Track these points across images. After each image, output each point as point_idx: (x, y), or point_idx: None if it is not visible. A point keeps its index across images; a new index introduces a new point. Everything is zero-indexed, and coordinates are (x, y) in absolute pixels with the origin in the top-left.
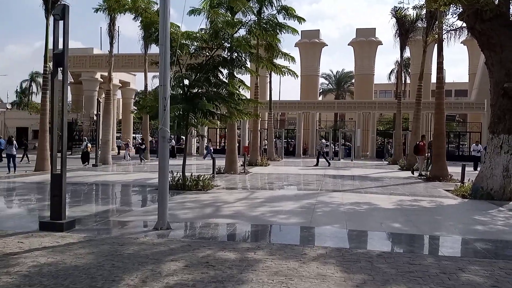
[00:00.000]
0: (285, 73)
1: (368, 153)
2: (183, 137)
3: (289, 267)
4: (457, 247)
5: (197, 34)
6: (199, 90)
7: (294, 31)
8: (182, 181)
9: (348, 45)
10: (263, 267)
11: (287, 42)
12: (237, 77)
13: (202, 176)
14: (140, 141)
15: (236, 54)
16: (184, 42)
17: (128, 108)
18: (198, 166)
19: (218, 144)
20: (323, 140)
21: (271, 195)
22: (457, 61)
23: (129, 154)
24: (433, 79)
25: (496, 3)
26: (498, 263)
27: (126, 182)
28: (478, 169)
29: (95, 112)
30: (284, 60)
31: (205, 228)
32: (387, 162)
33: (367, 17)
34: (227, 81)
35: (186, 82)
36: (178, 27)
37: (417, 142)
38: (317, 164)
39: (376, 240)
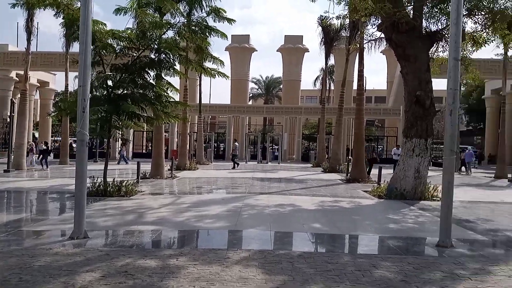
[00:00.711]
0: (215, 75)
1: (294, 156)
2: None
3: (211, 272)
4: (372, 245)
5: (124, 34)
6: (124, 92)
7: (223, 35)
8: (103, 187)
9: (276, 51)
10: (185, 274)
11: (218, 46)
12: (165, 79)
13: (125, 182)
14: (42, 145)
15: (164, 55)
16: (109, 41)
17: (47, 109)
18: (121, 171)
19: (145, 148)
20: (236, 143)
21: (198, 200)
22: (377, 70)
23: (33, 158)
24: (355, 86)
25: (411, 16)
26: (407, 259)
27: (42, 188)
28: None
29: (9, 114)
30: (213, 63)
31: (126, 236)
32: (311, 165)
33: (296, 24)
34: (154, 83)
35: (110, 83)
36: (105, 25)
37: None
38: (234, 167)
39: (298, 241)
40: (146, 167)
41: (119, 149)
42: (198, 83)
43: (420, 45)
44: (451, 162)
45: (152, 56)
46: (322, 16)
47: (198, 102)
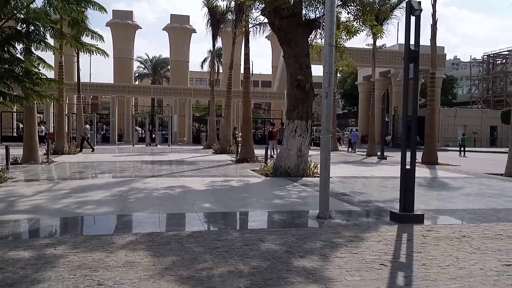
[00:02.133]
0: (93, 51)
1: (185, 139)
2: None
3: (94, 258)
4: (259, 220)
5: None
6: None
7: (101, 8)
8: None
9: (162, 30)
10: (64, 262)
11: (98, 21)
12: (35, 54)
13: None
14: None
15: (33, 27)
16: None
17: None
18: None
19: (15, 130)
20: (87, 126)
21: (78, 185)
22: (263, 54)
23: None
24: (243, 72)
25: (292, 3)
26: (291, 231)
27: None
28: None
29: None
30: (91, 39)
31: None
32: (203, 147)
33: (184, 4)
34: (22, 58)
35: None
36: None
37: (270, 129)
38: (81, 150)
39: (187, 222)
40: (18, 152)
41: None
42: (76, 60)
43: (300, 31)
44: (327, 140)
45: (19, 27)
46: None
47: (76, 80)
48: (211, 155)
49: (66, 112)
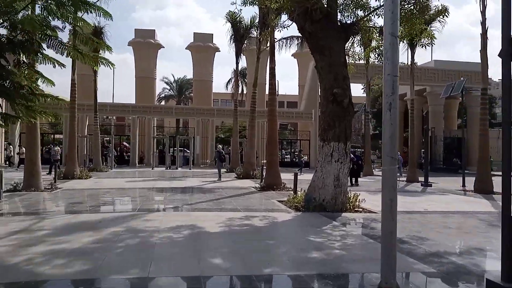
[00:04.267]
0: (97, 63)
1: (208, 161)
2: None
3: None
4: None
5: None
6: None
7: (106, 14)
8: None
9: (185, 49)
10: None
11: (121, 41)
12: (34, 67)
13: None
14: None
15: (27, 36)
16: None
17: None
18: None
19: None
20: (57, 147)
21: (65, 224)
22: (288, 74)
23: None
24: (268, 89)
25: (325, 2)
26: None
27: None
28: None
29: None
30: (102, 50)
31: None
32: (225, 170)
33: (210, 28)
34: (15, 70)
35: None
36: None
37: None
38: (49, 173)
39: None
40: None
41: None
42: (94, 79)
43: (335, 36)
44: (393, 173)
45: (9, 36)
46: (230, 11)
47: (94, 100)
48: (233, 180)
49: (81, 134)
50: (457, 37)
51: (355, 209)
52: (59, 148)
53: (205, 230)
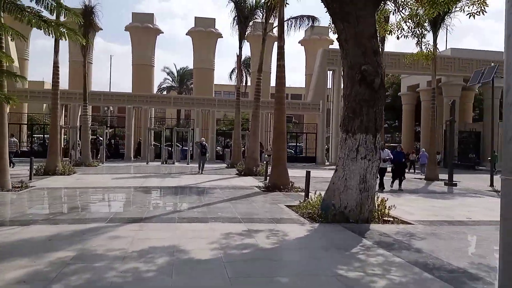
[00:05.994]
0: (63, 34)
1: (208, 155)
2: None
3: None
4: None
5: None
6: None
7: None
8: None
9: (186, 34)
10: None
11: (117, 25)
12: None
13: None
14: None
15: None
16: None
17: None
18: None
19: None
20: (13, 139)
21: (2, 241)
22: (294, 67)
23: None
24: (273, 80)
25: None
26: None
27: None
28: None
29: None
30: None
31: None
32: (226, 165)
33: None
34: None
35: None
36: None
37: None
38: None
39: None
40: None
41: None
42: (84, 63)
43: (363, 0)
44: None
45: None
46: None
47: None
48: (234, 177)
49: (64, 124)
50: (465, 31)
51: (384, 218)
52: (15, 139)
53: (190, 256)
